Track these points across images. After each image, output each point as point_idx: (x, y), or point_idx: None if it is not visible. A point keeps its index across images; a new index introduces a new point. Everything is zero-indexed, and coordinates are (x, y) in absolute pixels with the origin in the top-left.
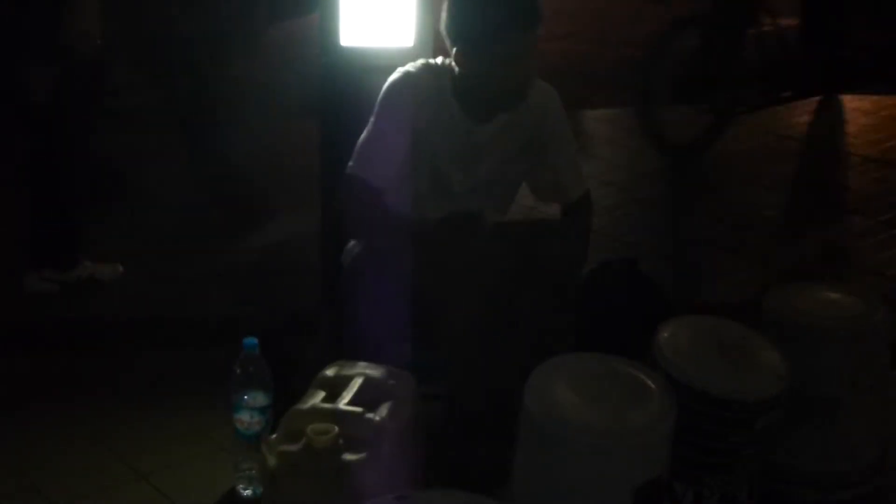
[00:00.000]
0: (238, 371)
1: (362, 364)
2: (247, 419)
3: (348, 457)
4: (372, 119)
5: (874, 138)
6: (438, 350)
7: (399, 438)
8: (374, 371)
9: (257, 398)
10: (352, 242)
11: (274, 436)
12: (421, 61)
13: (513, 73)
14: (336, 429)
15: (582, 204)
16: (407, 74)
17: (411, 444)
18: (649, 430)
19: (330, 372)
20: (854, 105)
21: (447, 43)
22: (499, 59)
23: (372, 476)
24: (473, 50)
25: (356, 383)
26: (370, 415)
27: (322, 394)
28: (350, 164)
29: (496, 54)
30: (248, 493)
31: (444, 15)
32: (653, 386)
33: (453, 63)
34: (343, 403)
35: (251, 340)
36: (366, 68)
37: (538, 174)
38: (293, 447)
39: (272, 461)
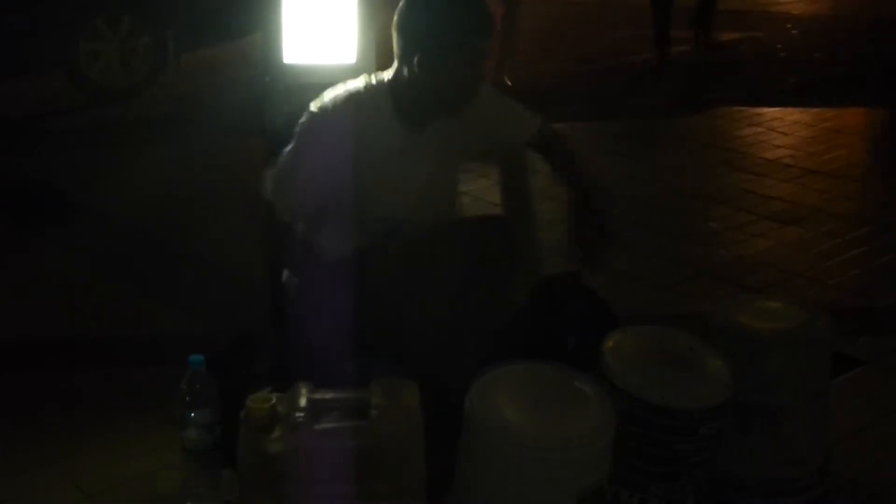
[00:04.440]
0: (185, 388)
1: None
2: (194, 436)
3: (269, 437)
4: (290, 147)
5: (815, 150)
6: (397, 361)
7: (307, 454)
8: (394, 395)
9: (204, 415)
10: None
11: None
12: (342, 88)
13: (458, 82)
14: (271, 402)
15: (546, 132)
16: (320, 111)
17: (341, 467)
18: (592, 438)
19: (387, 381)
20: (794, 118)
21: (397, 48)
22: (448, 67)
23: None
24: (424, 55)
25: (356, 395)
26: (300, 415)
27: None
28: (268, 187)
29: (447, 62)
30: None
31: (397, 19)
32: (592, 394)
33: (392, 74)
34: (316, 396)
35: (198, 357)
36: (309, 85)
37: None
38: (253, 405)
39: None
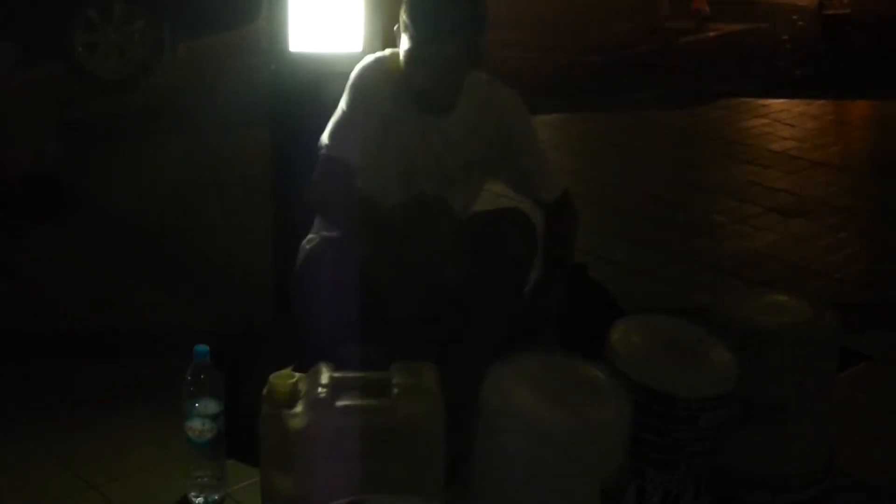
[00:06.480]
0: (189, 379)
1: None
2: (198, 427)
3: (290, 413)
4: (343, 103)
5: (821, 142)
6: (385, 343)
7: (328, 431)
8: (415, 376)
9: (208, 406)
10: (307, 237)
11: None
12: (389, 51)
13: (430, 81)
14: (294, 379)
15: (561, 204)
16: (378, 60)
17: (361, 444)
18: (613, 425)
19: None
20: (801, 109)
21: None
22: (418, 64)
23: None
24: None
25: (377, 375)
26: (322, 391)
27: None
28: (324, 144)
29: (414, 59)
30: (200, 501)
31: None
32: (606, 382)
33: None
34: (337, 375)
35: (202, 348)
36: (315, 74)
37: (510, 176)
38: (276, 381)
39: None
